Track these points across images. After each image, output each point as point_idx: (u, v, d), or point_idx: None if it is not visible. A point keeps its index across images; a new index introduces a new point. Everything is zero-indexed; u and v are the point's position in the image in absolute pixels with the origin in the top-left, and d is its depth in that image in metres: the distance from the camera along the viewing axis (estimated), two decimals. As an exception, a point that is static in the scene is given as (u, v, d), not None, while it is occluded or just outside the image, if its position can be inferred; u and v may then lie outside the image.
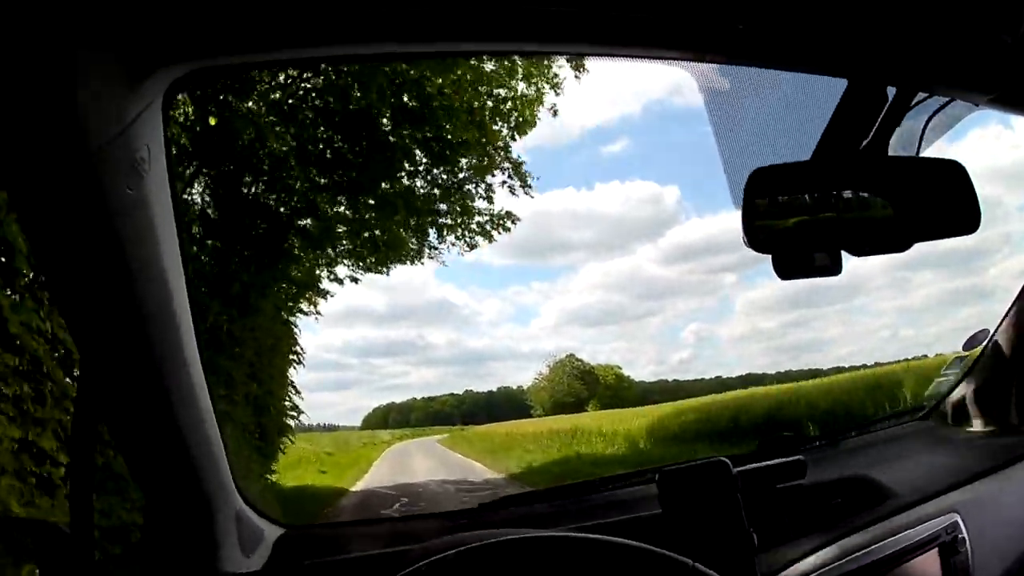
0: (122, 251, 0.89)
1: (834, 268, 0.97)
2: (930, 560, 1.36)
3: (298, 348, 10.69)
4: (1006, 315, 1.74)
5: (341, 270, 10.91)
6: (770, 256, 0.96)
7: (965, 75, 0.95)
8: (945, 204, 0.96)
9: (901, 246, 0.96)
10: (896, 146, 0.96)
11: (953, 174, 0.96)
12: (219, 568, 1.25)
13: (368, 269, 10.97)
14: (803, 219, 0.92)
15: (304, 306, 10.95)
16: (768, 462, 1.41)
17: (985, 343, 1.82)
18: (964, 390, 1.84)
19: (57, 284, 0.91)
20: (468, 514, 1.54)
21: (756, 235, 0.89)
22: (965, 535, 1.38)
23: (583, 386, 33.22)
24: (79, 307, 0.94)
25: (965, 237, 0.94)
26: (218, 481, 1.25)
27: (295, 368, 10.59)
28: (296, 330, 10.82)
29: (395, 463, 17.69)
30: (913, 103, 0.96)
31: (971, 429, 1.80)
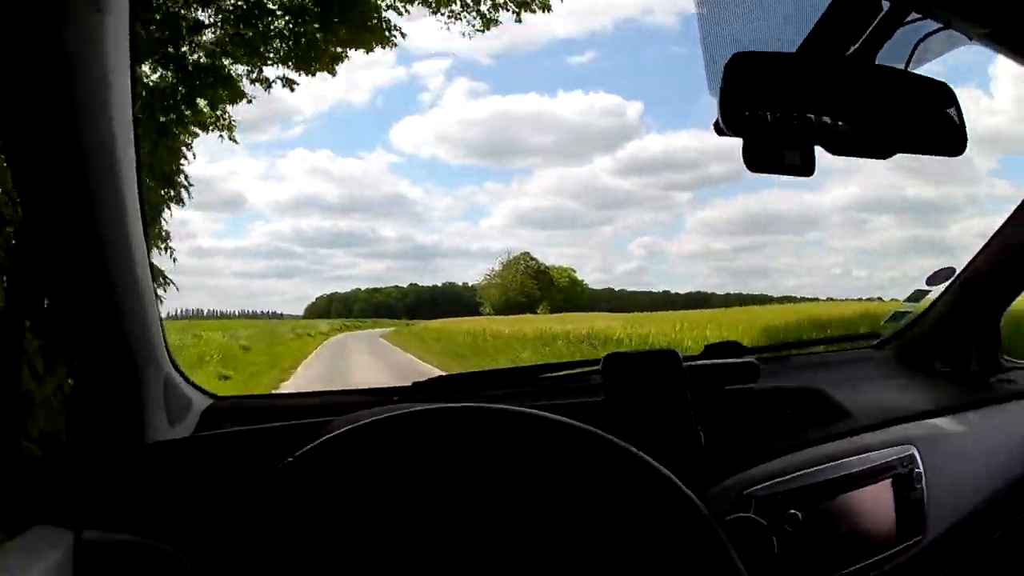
0: (72, 86, 0.87)
1: (806, 168, 0.97)
2: (882, 490, 1.34)
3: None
4: (975, 258, 1.77)
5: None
6: (740, 160, 0.97)
7: (963, 1, 0.96)
8: (932, 122, 0.98)
9: (881, 153, 0.98)
10: (882, 60, 0.96)
11: (942, 95, 0.98)
12: (144, 435, 1.24)
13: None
14: (782, 109, 0.91)
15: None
16: (719, 360, 1.41)
17: (951, 282, 1.83)
18: (923, 326, 1.88)
19: None
20: (402, 391, 1.51)
21: (731, 117, 0.88)
22: (921, 469, 1.40)
23: (536, 286, 33.44)
24: (17, 140, 0.92)
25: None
26: (149, 344, 1.24)
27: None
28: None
29: (327, 368, 14.50)
30: (907, 20, 0.96)
31: (929, 365, 1.84)
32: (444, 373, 1.57)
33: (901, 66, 1.00)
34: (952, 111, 0.98)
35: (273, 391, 9.55)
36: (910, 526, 1.37)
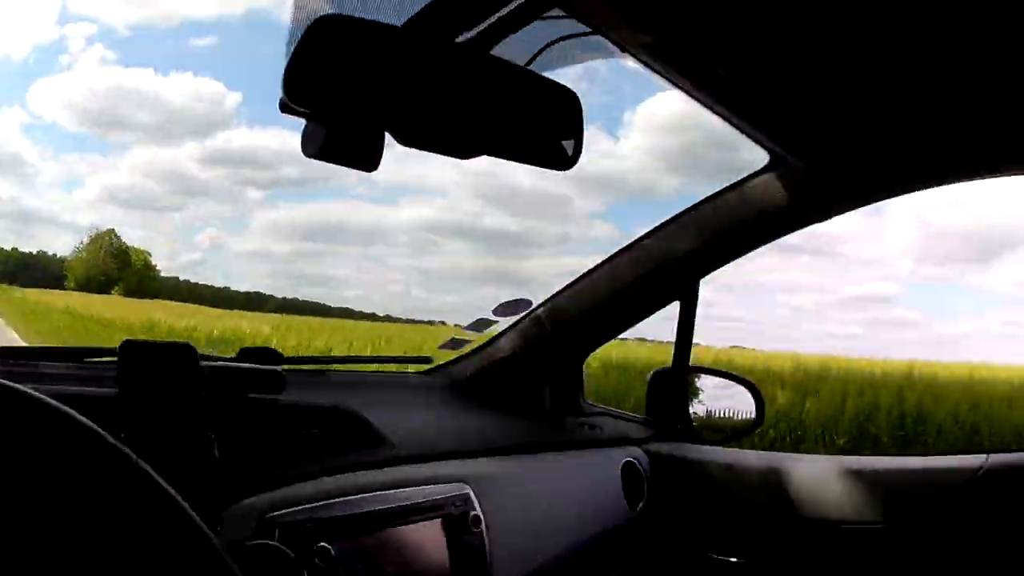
0: None
1: (370, 160, 0.86)
2: (433, 529, 1.28)
3: None
4: (558, 295, 1.72)
5: None
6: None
7: (619, 5, 0.91)
8: (544, 129, 0.91)
9: (465, 152, 0.90)
10: (499, 52, 0.89)
11: (564, 102, 0.92)
12: None
13: None
14: (365, 87, 0.80)
15: None
16: (242, 364, 1.29)
17: (524, 315, 1.76)
18: (487, 358, 1.79)
19: None
20: None
21: (298, 88, 0.76)
22: (478, 512, 1.32)
23: (116, 267, 31.78)
24: None
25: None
26: None
27: None
28: None
29: None
30: (545, 16, 0.92)
31: (492, 399, 1.73)
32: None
33: (521, 63, 0.94)
34: (572, 122, 0.92)
35: None
36: (468, 572, 1.29)
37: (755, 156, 1.49)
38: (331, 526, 1.14)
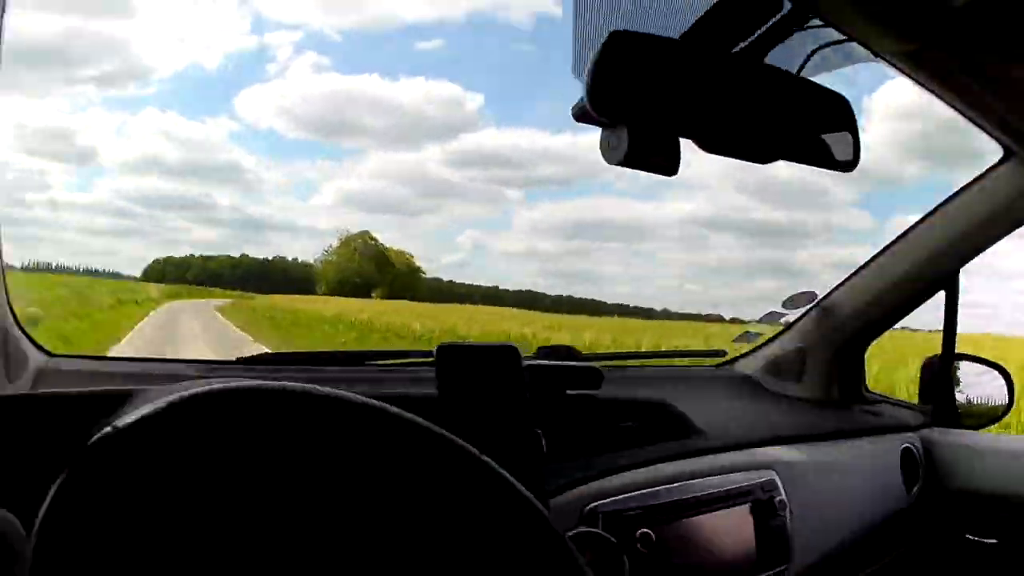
0: None
1: (670, 166, 0.90)
2: (741, 514, 1.33)
3: None
4: (839, 287, 1.82)
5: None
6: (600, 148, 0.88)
7: (880, 16, 0.94)
8: (823, 133, 0.96)
9: (762, 158, 0.96)
10: (772, 61, 0.94)
11: (837, 107, 0.97)
12: None
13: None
14: (659, 98, 0.85)
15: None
16: (561, 363, 1.37)
17: (810, 307, 1.85)
18: (779, 349, 1.89)
19: None
20: (226, 364, 1.47)
21: (601, 100, 0.81)
22: (783, 497, 1.37)
23: (375, 269, 32.94)
24: None
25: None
26: None
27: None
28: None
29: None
30: (807, 25, 0.95)
31: (786, 389, 1.85)
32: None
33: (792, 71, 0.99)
34: (847, 125, 0.96)
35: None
36: (773, 554, 1.35)
37: (991, 143, 1.53)
38: (651, 514, 1.19)
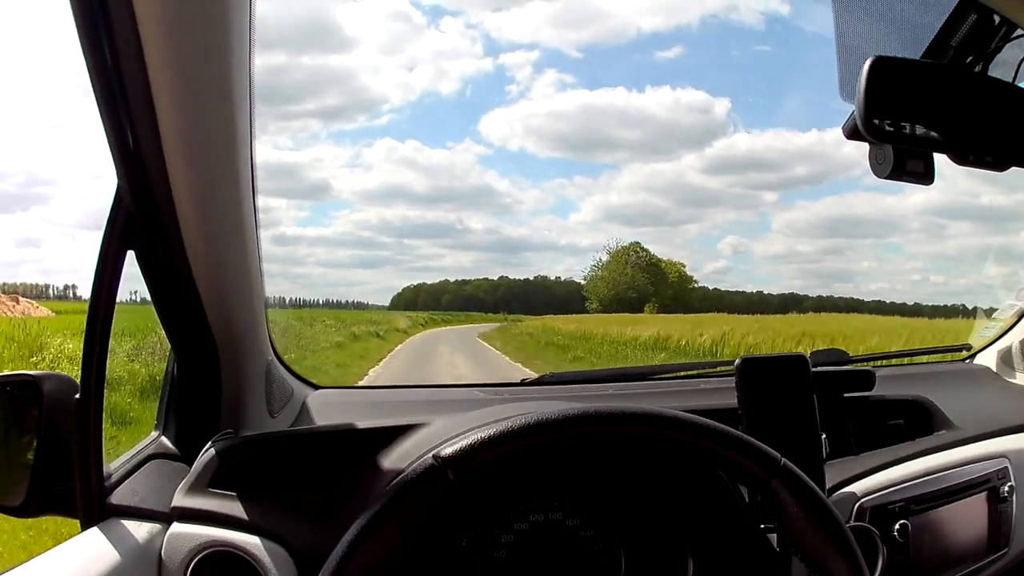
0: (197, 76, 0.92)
1: (928, 176, 1.01)
2: (978, 502, 1.43)
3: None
4: None
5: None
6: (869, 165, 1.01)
7: None
8: None
9: (1000, 167, 1.02)
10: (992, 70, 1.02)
11: None
12: (244, 425, 1.28)
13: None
14: (918, 116, 0.93)
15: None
16: (840, 367, 1.48)
17: None
18: (1016, 339, 1.92)
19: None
20: (514, 388, 1.60)
21: (871, 122, 0.92)
22: (1013, 483, 1.45)
23: (648, 281, 31.80)
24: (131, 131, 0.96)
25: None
26: (253, 333, 1.28)
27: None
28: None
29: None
30: (1014, 36, 1.00)
31: (1019, 378, 1.89)
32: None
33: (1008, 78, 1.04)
34: None
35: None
36: (997, 540, 1.44)
37: None
38: (907, 505, 1.33)
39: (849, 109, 0.98)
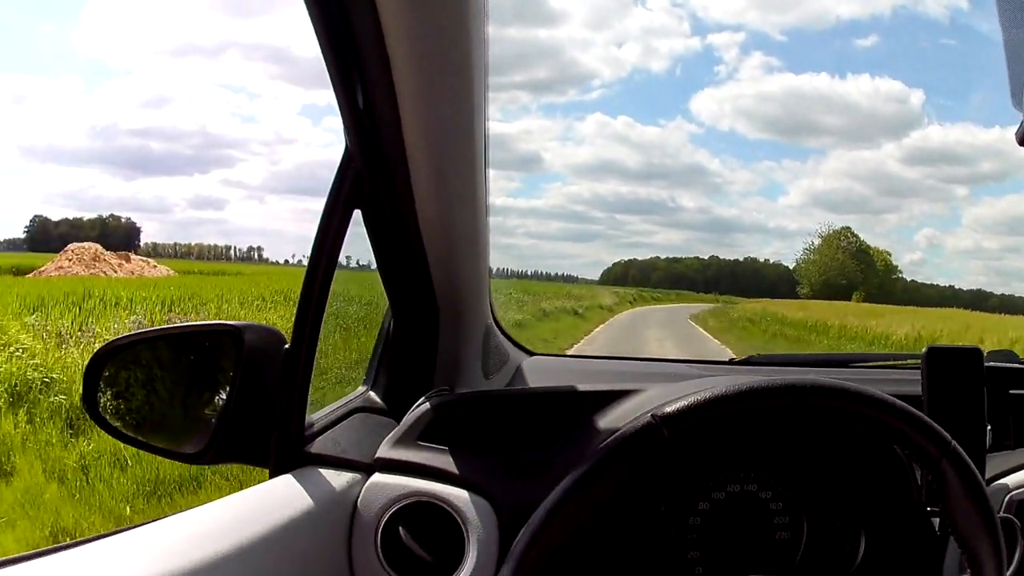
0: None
1: None
2: None
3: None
4: None
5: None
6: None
7: None
8: None
9: None
10: None
11: None
12: (459, 383, 1.34)
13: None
14: None
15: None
16: (1011, 365, 1.49)
17: None
18: None
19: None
20: (722, 366, 1.69)
21: None
22: None
23: (857, 267, 31.06)
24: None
25: None
26: (476, 296, 1.34)
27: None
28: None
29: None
30: None
31: None
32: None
33: None
34: None
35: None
36: None
37: None
38: None
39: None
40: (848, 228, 32.78)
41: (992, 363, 1.40)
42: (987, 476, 1.33)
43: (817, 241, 32.40)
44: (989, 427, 1.34)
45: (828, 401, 0.99)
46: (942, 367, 1.35)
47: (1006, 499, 1.35)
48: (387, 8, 0.89)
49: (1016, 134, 0.96)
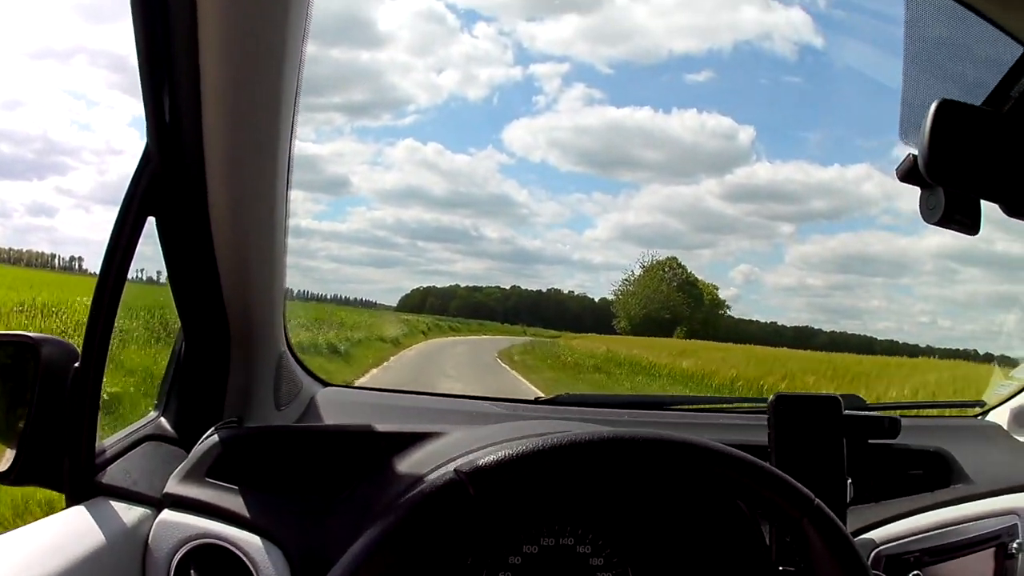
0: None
1: (974, 226, 1.03)
2: (986, 558, 1.53)
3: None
4: None
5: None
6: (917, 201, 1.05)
7: None
8: None
9: None
10: None
11: None
12: (249, 416, 1.33)
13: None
14: (980, 163, 0.98)
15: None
16: (868, 413, 1.53)
17: None
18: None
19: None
20: (528, 405, 1.67)
21: (935, 166, 0.96)
22: (1021, 540, 1.54)
23: (684, 301, 31.20)
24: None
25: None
26: (269, 323, 1.33)
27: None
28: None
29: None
30: None
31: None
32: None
33: None
34: None
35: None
36: None
37: None
38: (922, 557, 1.42)
39: (901, 152, 1.02)
40: (674, 258, 33.08)
41: (849, 411, 1.44)
42: (850, 530, 1.31)
43: (638, 271, 32.32)
44: (849, 480, 1.35)
45: (667, 457, 0.96)
46: (793, 415, 1.35)
47: (872, 555, 1.39)
48: (205, 15, 0.91)
49: (897, 170, 1.00)
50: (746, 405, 1.80)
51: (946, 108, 0.94)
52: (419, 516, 0.89)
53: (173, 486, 1.16)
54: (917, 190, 1.02)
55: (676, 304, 30.66)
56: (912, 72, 1.06)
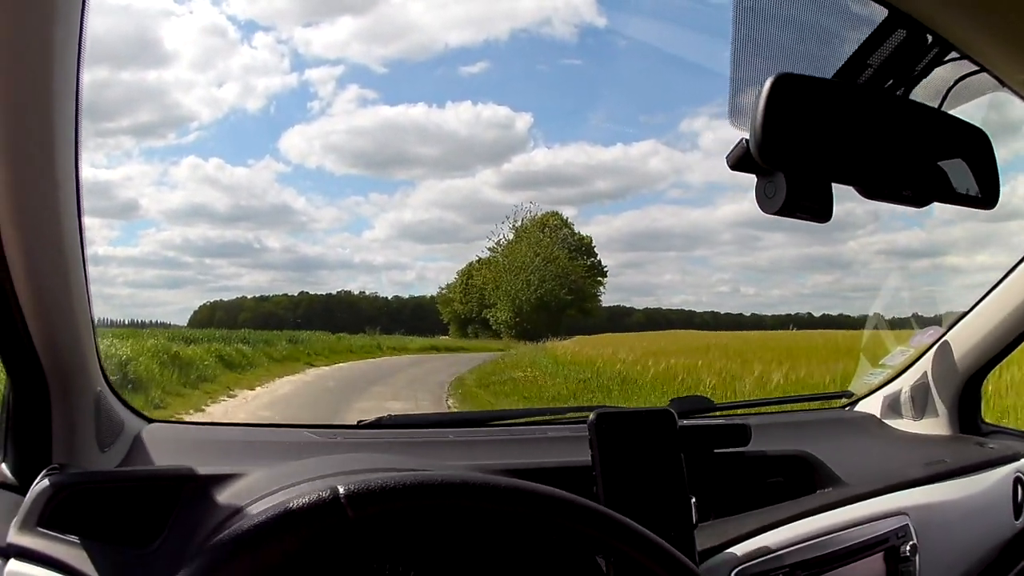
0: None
1: (824, 212, 1.15)
2: (875, 564, 1.76)
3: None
4: (959, 319, 2.26)
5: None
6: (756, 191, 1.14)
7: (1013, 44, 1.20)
8: (965, 170, 1.21)
9: (918, 201, 1.22)
10: (917, 97, 1.22)
11: (976, 142, 1.23)
12: (72, 460, 1.54)
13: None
14: (825, 143, 1.08)
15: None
16: (711, 422, 1.78)
17: (934, 343, 2.33)
18: (906, 385, 2.36)
19: None
20: (350, 430, 1.91)
21: (770, 146, 1.03)
22: (915, 541, 1.79)
23: (585, 272, 33.22)
24: None
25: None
26: (80, 357, 1.55)
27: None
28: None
29: None
30: (946, 59, 1.20)
31: (916, 427, 2.30)
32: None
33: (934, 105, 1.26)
34: (986, 160, 1.23)
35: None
36: None
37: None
38: (794, 571, 1.61)
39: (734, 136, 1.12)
40: (556, 213, 34.90)
41: (688, 422, 1.66)
42: (703, 548, 1.54)
43: (510, 236, 33.18)
44: (694, 499, 1.52)
45: (532, 510, 1.12)
46: (618, 434, 1.52)
47: (734, 573, 1.57)
48: None
49: (728, 157, 1.09)
50: (570, 415, 1.98)
51: (785, 82, 1.03)
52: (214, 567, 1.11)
53: (14, 536, 1.34)
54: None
55: (578, 282, 31.15)
56: (743, 50, 1.14)
